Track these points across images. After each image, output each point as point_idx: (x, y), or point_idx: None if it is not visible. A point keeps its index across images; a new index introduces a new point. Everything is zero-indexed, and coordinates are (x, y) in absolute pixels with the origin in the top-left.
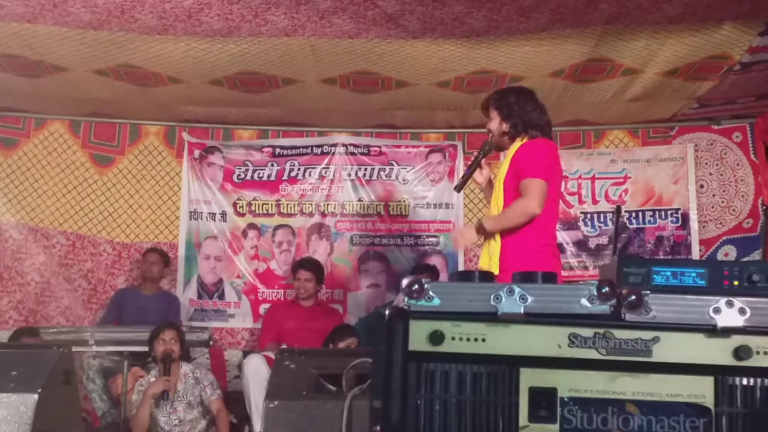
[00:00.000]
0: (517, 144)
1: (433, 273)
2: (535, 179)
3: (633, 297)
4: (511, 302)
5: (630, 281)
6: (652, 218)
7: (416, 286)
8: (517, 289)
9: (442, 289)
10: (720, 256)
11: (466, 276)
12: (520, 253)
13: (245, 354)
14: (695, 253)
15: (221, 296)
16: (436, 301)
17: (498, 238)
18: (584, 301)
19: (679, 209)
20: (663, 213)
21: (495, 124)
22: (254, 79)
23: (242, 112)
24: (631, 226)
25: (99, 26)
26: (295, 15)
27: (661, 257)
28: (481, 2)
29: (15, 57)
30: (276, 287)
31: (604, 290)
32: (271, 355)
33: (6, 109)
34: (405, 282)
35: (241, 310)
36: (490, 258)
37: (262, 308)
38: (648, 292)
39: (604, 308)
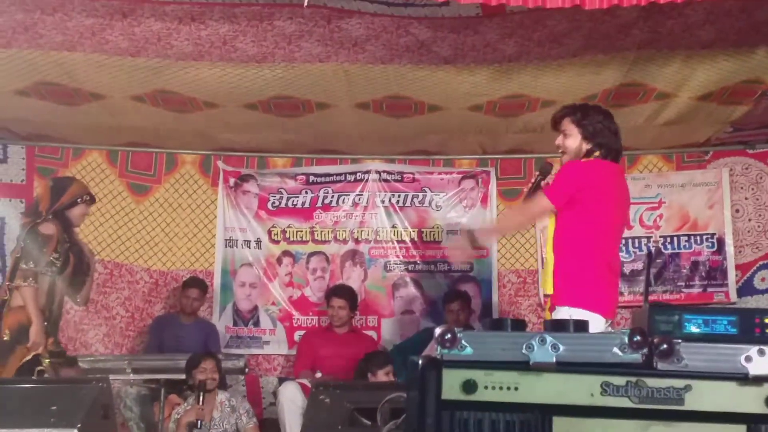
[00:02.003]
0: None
1: (464, 300)
2: (540, 193)
3: (665, 345)
4: (543, 351)
5: (661, 329)
6: (687, 243)
7: (449, 336)
8: (548, 338)
9: (474, 338)
10: (757, 281)
11: (499, 324)
12: (573, 277)
13: (280, 381)
14: (731, 279)
15: (256, 323)
16: (469, 350)
17: (551, 259)
18: (616, 350)
19: (714, 234)
20: (698, 238)
21: (574, 141)
22: (288, 103)
23: (276, 138)
24: (666, 252)
25: (136, 53)
26: (328, 42)
27: (697, 282)
28: (513, 29)
29: (53, 85)
30: (310, 314)
31: (635, 339)
32: (306, 382)
33: (45, 139)
34: (438, 331)
35: (276, 337)
36: (545, 280)
37: (297, 335)
38: (680, 340)
39: (636, 357)
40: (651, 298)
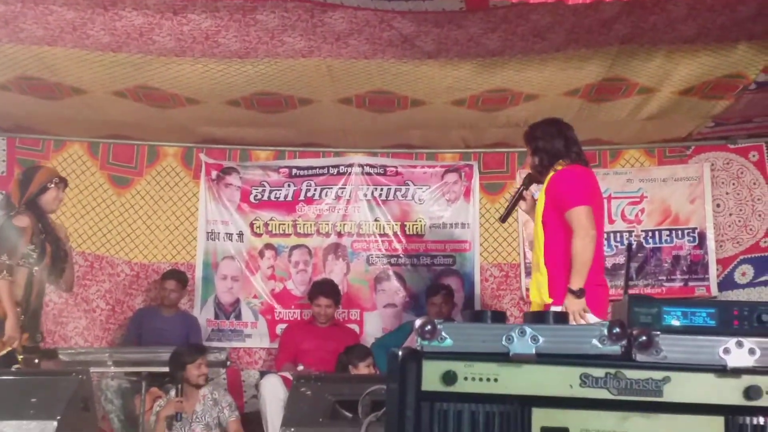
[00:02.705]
0: (550, 176)
1: (447, 293)
2: (578, 207)
3: (644, 337)
4: (523, 343)
5: (641, 321)
6: (668, 238)
7: (429, 327)
8: (528, 330)
9: (454, 329)
10: (737, 276)
11: (479, 316)
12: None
13: (262, 374)
14: (712, 273)
15: (238, 316)
16: (449, 342)
17: (543, 270)
18: (595, 342)
19: (695, 228)
20: (680, 232)
21: (529, 159)
22: (271, 99)
23: (259, 132)
24: (647, 246)
25: (118, 48)
26: (311, 37)
27: (678, 277)
28: (496, 23)
29: (34, 79)
30: (292, 307)
31: (615, 331)
32: (288, 375)
33: (25, 131)
34: (418, 323)
35: (257, 330)
36: (539, 290)
37: (279, 328)
38: (659, 332)
39: (615, 349)
40: (632, 291)
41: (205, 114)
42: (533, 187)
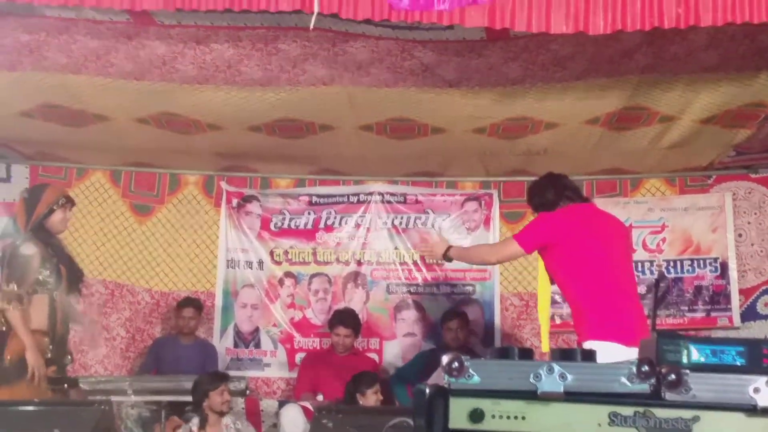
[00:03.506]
0: None
1: (462, 319)
2: (511, 239)
3: (673, 376)
4: (550, 380)
5: (669, 359)
6: (690, 267)
7: (456, 364)
8: (556, 368)
9: (481, 366)
10: (760, 306)
11: (506, 353)
12: (583, 313)
13: (281, 404)
14: (735, 303)
15: (257, 345)
16: (476, 379)
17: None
18: (624, 380)
19: (717, 258)
20: (701, 262)
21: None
22: (292, 125)
23: (280, 160)
24: (669, 276)
25: (141, 76)
26: (332, 65)
27: (700, 307)
28: (517, 52)
29: (57, 107)
30: (312, 336)
31: (643, 369)
32: (308, 404)
33: (49, 158)
34: (445, 360)
35: (277, 359)
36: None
37: (298, 357)
38: (687, 370)
39: (644, 387)
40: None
41: (227, 140)
42: None
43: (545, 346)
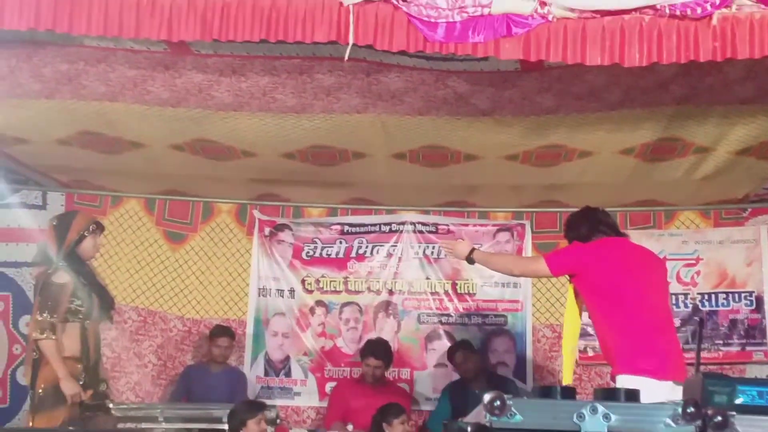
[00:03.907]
0: None
1: (466, 349)
2: (540, 257)
3: (719, 418)
4: (594, 421)
5: (715, 400)
6: (725, 301)
7: (498, 403)
8: (600, 408)
9: (524, 405)
10: None
11: (548, 392)
12: (615, 347)
13: None
14: None
15: (288, 373)
16: (518, 418)
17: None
18: (669, 421)
19: (753, 292)
20: (736, 296)
21: None
22: (326, 152)
23: (313, 187)
24: (703, 309)
25: (177, 104)
26: (366, 94)
27: (735, 341)
28: (551, 83)
29: (94, 134)
30: (342, 365)
31: (689, 410)
32: None
33: (84, 186)
34: (487, 398)
35: (307, 388)
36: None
37: (329, 386)
38: (734, 412)
39: (690, 429)
40: (687, 356)
41: (261, 166)
42: None
43: (567, 378)
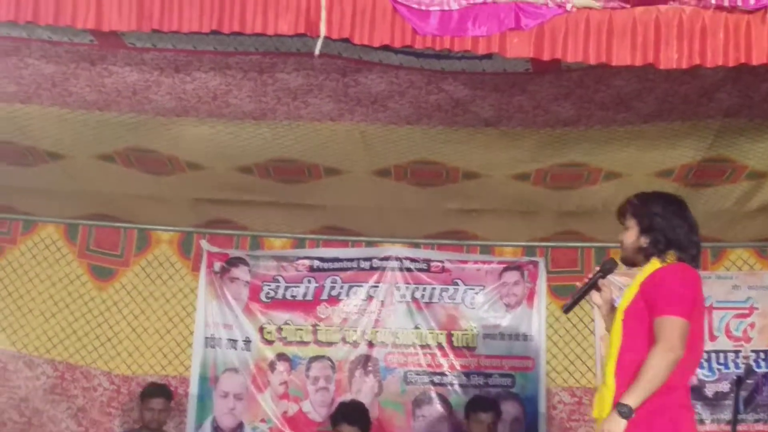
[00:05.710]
0: (651, 267)
1: (497, 412)
2: (673, 318)
3: None
4: None
5: None
6: None
7: None
8: None
9: None
10: None
11: None
12: (646, 412)
13: None
14: None
15: None
16: None
17: (611, 383)
18: None
19: None
20: None
21: (630, 236)
22: (291, 167)
23: (275, 210)
24: (758, 371)
25: (105, 107)
26: (342, 99)
27: None
28: (570, 88)
29: (3, 143)
30: None
31: None
32: None
33: None
34: None
35: None
36: (601, 407)
37: None
38: None
39: None
40: (741, 428)
41: (210, 183)
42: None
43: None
